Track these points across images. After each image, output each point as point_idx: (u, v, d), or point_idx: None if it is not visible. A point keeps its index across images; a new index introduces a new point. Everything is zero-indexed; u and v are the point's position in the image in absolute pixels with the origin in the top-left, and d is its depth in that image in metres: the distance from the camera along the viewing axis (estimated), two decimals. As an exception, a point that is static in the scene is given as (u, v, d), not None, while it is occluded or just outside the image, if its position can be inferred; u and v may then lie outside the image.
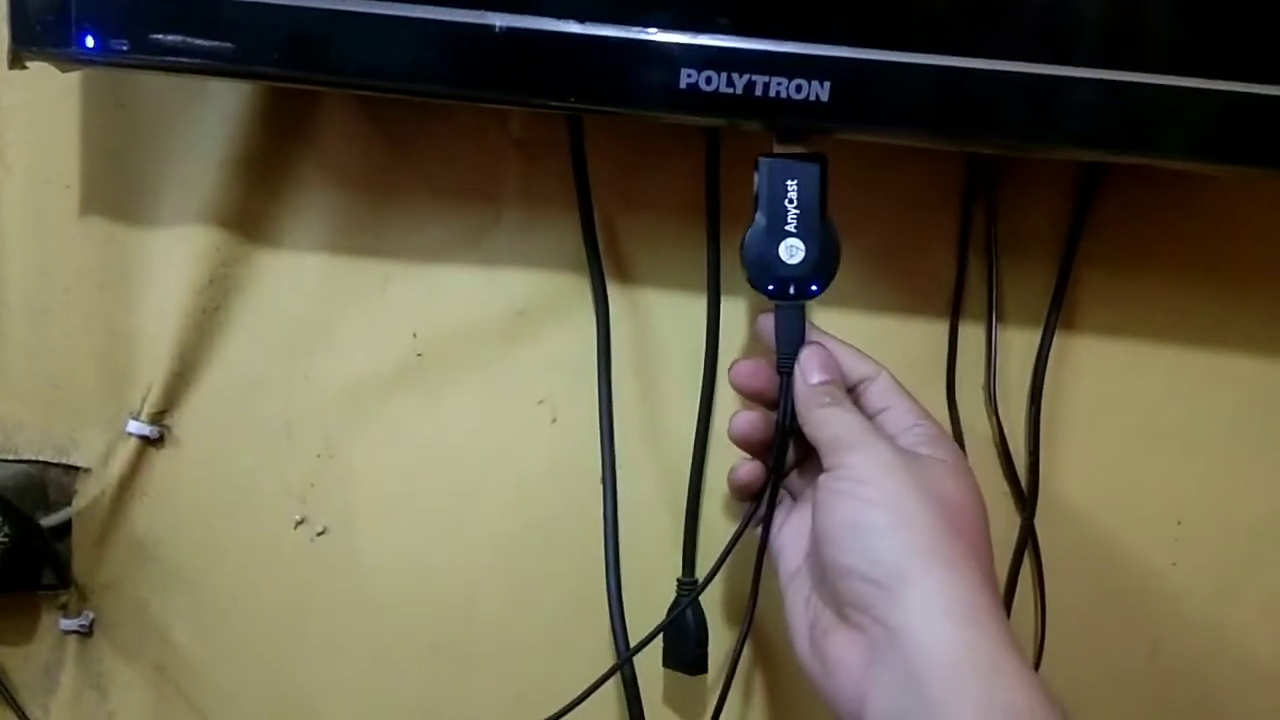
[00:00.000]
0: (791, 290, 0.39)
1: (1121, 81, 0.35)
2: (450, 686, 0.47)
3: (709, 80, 0.35)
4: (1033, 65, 0.35)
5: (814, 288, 0.39)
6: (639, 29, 0.35)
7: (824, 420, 0.37)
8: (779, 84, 0.35)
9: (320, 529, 0.47)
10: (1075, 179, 0.46)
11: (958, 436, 0.46)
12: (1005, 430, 0.47)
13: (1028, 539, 0.46)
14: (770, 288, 0.39)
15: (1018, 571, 0.47)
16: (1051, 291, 0.46)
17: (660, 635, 0.44)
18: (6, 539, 0.43)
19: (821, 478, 0.36)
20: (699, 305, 0.46)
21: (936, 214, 0.47)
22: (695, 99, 0.35)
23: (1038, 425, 0.46)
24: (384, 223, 0.47)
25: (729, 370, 0.41)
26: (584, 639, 0.47)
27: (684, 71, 0.35)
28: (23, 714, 0.46)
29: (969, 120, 0.37)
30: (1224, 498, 0.47)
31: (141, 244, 0.46)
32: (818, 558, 0.36)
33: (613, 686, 0.46)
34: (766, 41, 0.35)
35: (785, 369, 0.39)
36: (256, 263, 0.46)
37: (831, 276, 0.39)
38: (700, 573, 0.46)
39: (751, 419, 0.41)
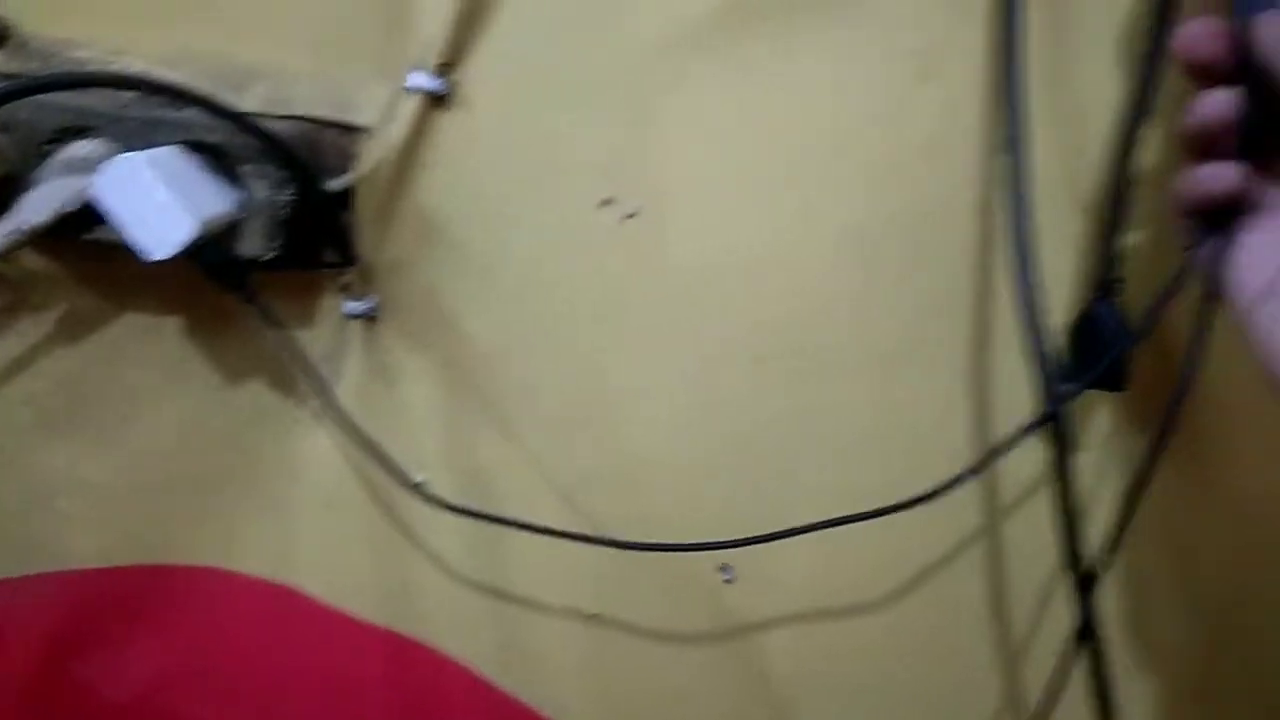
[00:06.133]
0: None
1: None
2: (780, 401, 0.41)
3: None
4: None
5: None
6: None
7: None
8: None
9: (630, 210, 0.40)
10: None
11: None
12: None
13: None
14: None
15: None
16: None
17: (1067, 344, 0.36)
18: (292, 198, 0.38)
19: None
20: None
21: None
22: None
23: None
24: None
25: (1175, 36, 0.31)
26: (944, 353, 0.39)
27: None
28: (304, 399, 0.43)
29: None
30: None
31: None
32: None
33: (967, 401, 0.39)
34: None
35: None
36: None
37: None
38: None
39: (1223, 97, 0.30)
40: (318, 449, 0.44)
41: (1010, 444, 0.34)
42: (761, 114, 0.38)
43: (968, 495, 0.40)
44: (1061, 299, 0.37)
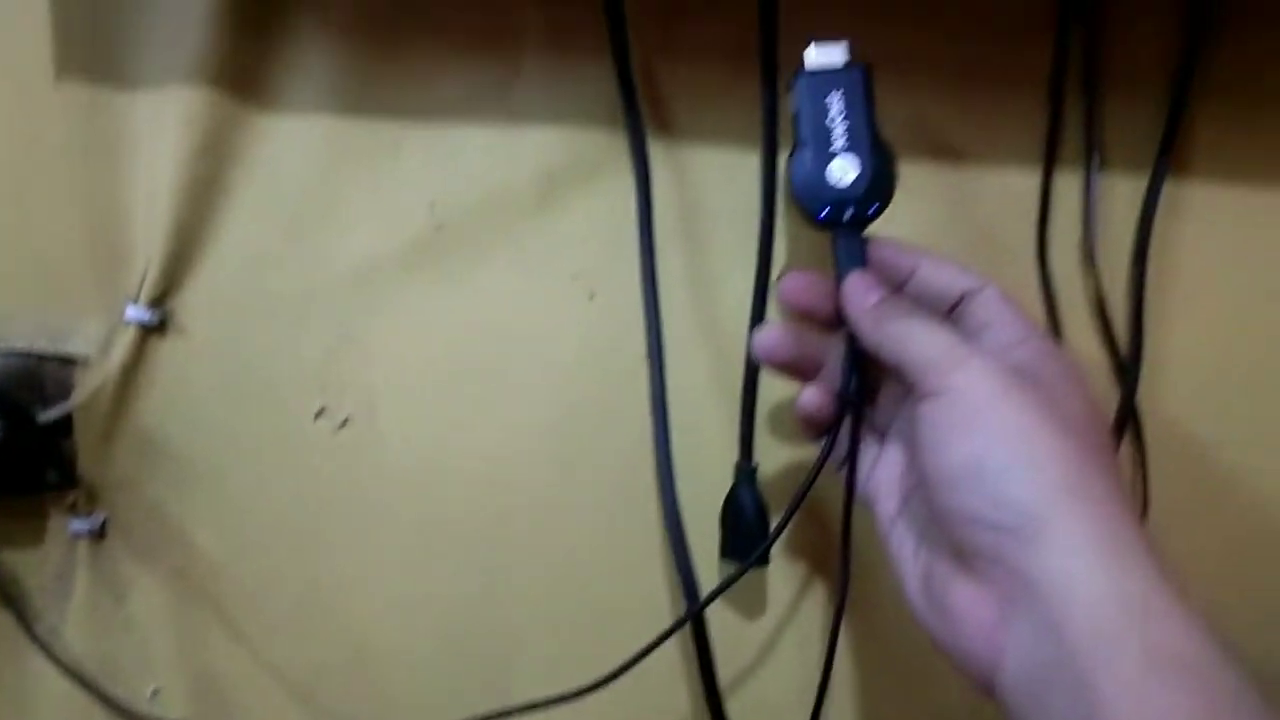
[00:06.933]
0: (848, 215, 0.34)
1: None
2: (489, 582, 0.44)
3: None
4: None
5: (873, 209, 0.34)
6: None
7: (907, 335, 0.31)
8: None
9: (342, 420, 0.43)
10: (1186, 2, 0.40)
11: (1049, 301, 0.41)
12: (1105, 293, 0.41)
13: (1128, 416, 0.41)
14: (823, 214, 0.34)
15: (1115, 453, 0.42)
16: (1160, 133, 0.40)
17: (719, 524, 0.41)
18: (1, 431, 0.40)
19: (921, 409, 0.30)
20: (753, 161, 0.40)
21: (1027, 45, 0.40)
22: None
23: (1142, 286, 0.41)
24: (392, 78, 0.41)
25: (777, 282, 0.36)
26: (631, 532, 0.43)
27: None
28: (33, 622, 0.43)
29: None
30: (1352, 367, 0.42)
31: (126, 109, 0.41)
32: (928, 503, 0.31)
33: (663, 576, 0.43)
34: None
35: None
36: (254, 126, 0.42)
37: (890, 193, 0.34)
38: (760, 456, 0.41)
39: (779, 334, 0.36)
40: (51, 669, 0.44)
41: (654, 646, 0.37)
42: (458, 325, 0.43)
43: (679, 670, 0.44)
44: (721, 480, 0.42)
